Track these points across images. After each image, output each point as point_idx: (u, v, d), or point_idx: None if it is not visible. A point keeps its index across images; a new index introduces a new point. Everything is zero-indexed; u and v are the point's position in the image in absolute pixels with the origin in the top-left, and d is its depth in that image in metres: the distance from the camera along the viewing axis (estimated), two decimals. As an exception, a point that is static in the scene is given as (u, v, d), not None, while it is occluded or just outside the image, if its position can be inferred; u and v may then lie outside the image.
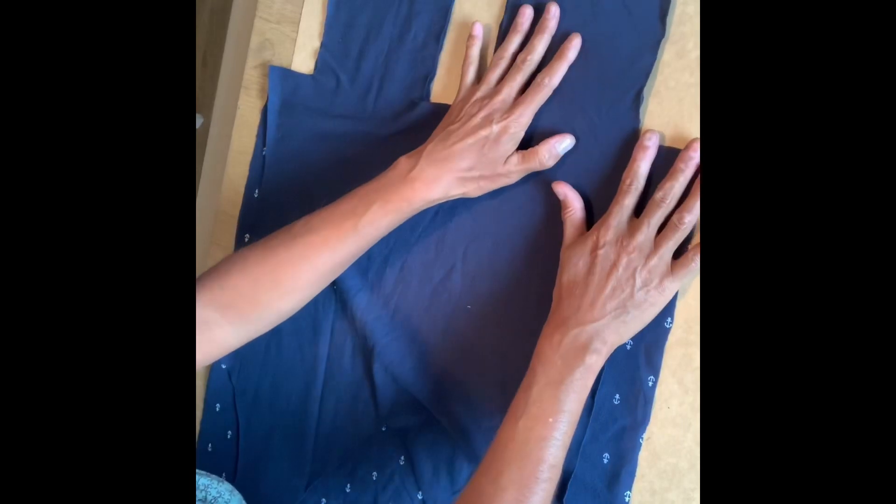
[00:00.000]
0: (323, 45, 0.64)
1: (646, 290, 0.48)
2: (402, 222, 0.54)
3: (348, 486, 0.61)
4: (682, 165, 0.49)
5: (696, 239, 0.50)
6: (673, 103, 0.53)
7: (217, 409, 0.68)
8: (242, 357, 0.67)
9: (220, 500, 0.51)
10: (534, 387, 0.47)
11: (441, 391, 0.58)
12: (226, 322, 0.53)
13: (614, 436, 0.53)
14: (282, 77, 0.65)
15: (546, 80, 0.53)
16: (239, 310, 0.54)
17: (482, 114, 0.53)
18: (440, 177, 0.53)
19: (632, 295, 0.48)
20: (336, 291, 0.63)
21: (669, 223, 0.49)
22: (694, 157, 0.49)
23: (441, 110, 0.59)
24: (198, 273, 0.56)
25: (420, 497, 0.59)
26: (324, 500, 0.62)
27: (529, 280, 0.56)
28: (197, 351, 0.51)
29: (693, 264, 0.49)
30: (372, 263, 0.61)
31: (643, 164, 0.50)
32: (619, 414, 0.53)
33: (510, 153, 0.53)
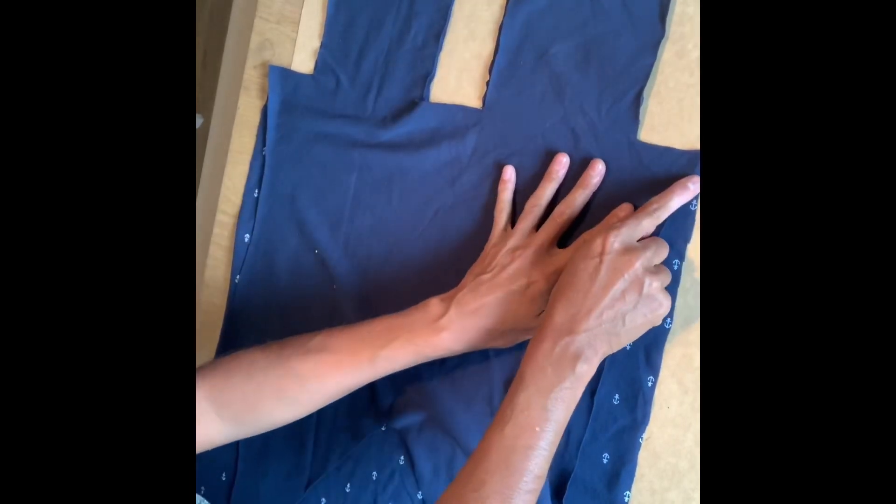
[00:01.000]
0: (323, 45, 0.64)
1: (647, 306, 0.47)
2: (420, 363, 0.53)
3: (348, 486, 0.61)
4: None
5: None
6: (673, 103, 0.53)
7: (217, 409, 0.68)
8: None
9: None
10: (522, 394, 0.46)
11: (442, 390, 0.59)
12: (219, 419, 0.53)
13: (614, 436, 0.53)
14: (282, 77, 0.65)
15: (566, 210, 0.53)
16: (236, 411, 0.53)
17: (514, 265, 0.52)
18: (468, 330, 0.52)
19: (634, 308, 0.46)
20: (336, 291, 0.63)
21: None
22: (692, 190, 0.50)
23: (441, 110, 0.59)
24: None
25: (420, 497, 0.59)
26: (324, 499, 0.62)
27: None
28: None
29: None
30: (372, 263, 0.61)
31: (677, 200, 0.50)
32: (618, 414, 0.53)
33: (542, 309, 0.51)
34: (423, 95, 0.60)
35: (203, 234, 0.71)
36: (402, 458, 0.59)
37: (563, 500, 0.54)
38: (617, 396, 0.53)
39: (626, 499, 0.53)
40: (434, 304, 0.53)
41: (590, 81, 0.54)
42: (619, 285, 0.46)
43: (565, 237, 0.54)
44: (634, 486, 0.53)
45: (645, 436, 0.53)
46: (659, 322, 0.48)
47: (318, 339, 0.54)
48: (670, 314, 0.52)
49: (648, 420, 0.52)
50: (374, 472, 0.60)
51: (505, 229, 0.55)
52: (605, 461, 0.53)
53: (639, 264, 0.46)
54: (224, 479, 0.65)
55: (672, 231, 0.52)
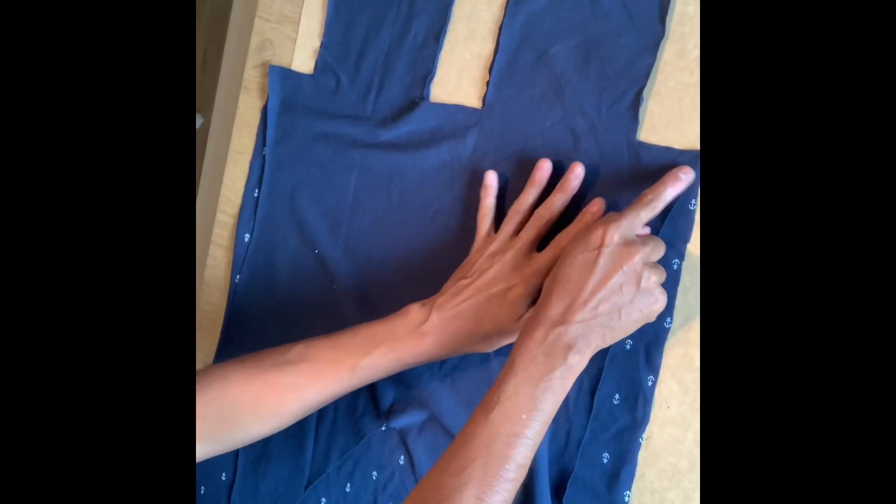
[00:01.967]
0: (323, 44, 0.64)
1: (643, 300, 0.47)
2: (403, 370, 0.53)
3: (348, 485, 0.61)
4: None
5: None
6: (673, 103, 0.53)
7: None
8: (242, 357, 0.67)
9: None
10: (510, 381, 0.45)
11: (442, 390, 0.59)
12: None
13: (614, 436, 0.53)
14: (282, 77, 0.65)
15: (545, 214, 0.53)
16: (210, 427, 0.52)
17: (493, 270, 0.52)
18: (450, 334, 0.52)
19: (631, 302, 0.46)
20: (336, 291, 0.63)
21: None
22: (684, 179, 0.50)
23: (441, 110, 0.59)
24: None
25: (420, 497, 0.59)
26: (324, 499, 0.62)
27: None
28: None
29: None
30: (372, 263, 0.61)
31: (670, 191, 0.50)
32: (618, 414, 0.53)
33: (523, 313, 0.52)
34: (423, 95, 0.60)
35: (203, 234, 0.71)
36: (402, 458, 0.59)
37: (563, 500, 0.54)
38: (617, 396, 0.53)
39: (626, 498, 0.53)
40: (415, 310, 0.53)
41: (590, 81, 0.54)
42: (618, 278, 0.46)
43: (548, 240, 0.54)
44: (634, 486, 0.53)
45: (645, 435, 0.53)
46: (654, 318, 0.48)
47: (297, 350, 0.53)
48: (670, 314, 0.52)
49: (648, 420, 0.52)
50: (374, 472, 0.60)
51: (488, 234, 0.55)
52: (605, 461, 0.53)
53: (638, 258, 0.46)
54: (224, 478, 0.65)
55: (672, 231, 0.52)
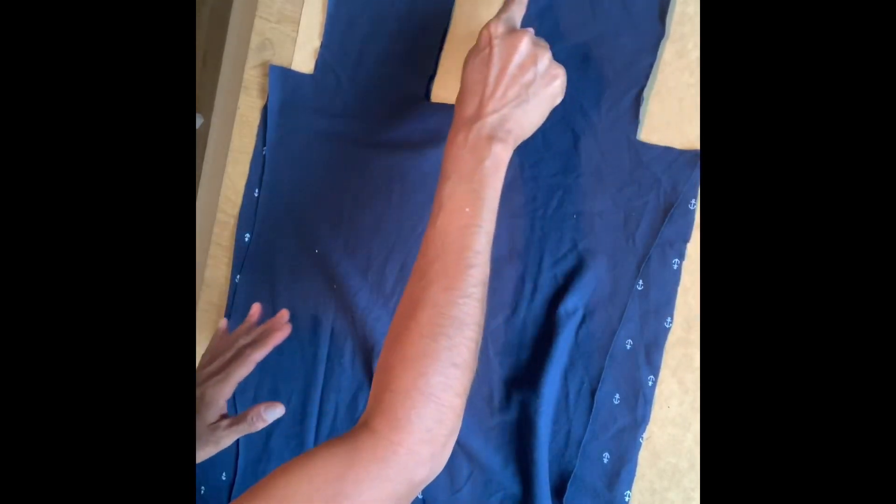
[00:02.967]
0: (323, 44, 0.64)
1: (544, 78, 0.48)
2: None
3: (348, 485, 0.61)
4: None
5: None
6: (673, 103, 0.53)
7: (217, 409, 0.68)
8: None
9: None
10: (446, 185, 0.47)
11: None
12: None
13: (614, 435, 0.53)
14: (282, 77, 0.65)
15: None
16: None
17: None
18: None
19: (533, 80, 0.48)
20: (336, 291, 0.63)
21: None
22: None
23: (441, 110, 0.59)
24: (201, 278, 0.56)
25: (420, 497, 0.59)
26: (324, 499, 0.62)
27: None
28: None
29: None
30: (372, 263, 0.61)
31: None
32: (618, 413, 0.53)
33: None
34: (423, 95, 0.60)
35: (203, 234, 0.71)
36: (402, 457, 0.59)
37: (564, 500, 0.54)
38: (617, 396, 0.53)
39: (627, 498, 0.53)
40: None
41: (590, 81, 0.54)
42: (516, 60, 0.48)
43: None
44: (634, 486, 0.53)
45: (645, 435, 0.53)
46: (561, 95, 0.50)
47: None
48: (670, 314, 0.52)
49: (648, 419, 0.52)
50: (375, 472, 0.60)
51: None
52: (605, 460, 0.53)
53: (527, 38, 0.48)
54: (224, 478, 0.65)
55: (672, 231, 0.52)
